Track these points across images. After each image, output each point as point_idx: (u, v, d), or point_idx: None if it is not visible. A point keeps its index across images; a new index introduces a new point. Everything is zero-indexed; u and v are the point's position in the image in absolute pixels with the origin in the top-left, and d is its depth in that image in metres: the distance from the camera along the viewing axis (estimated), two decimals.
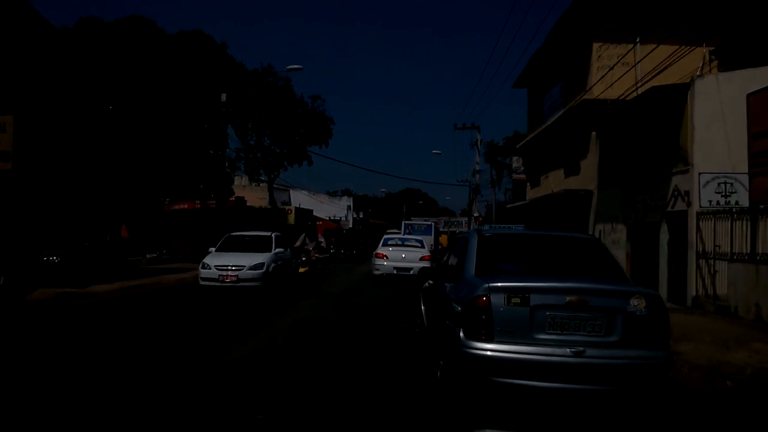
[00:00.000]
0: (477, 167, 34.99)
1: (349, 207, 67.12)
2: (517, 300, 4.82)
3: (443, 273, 6.80)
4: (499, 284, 4.91)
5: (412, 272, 15.74)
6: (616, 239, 15.86)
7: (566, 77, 19.34)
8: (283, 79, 37.71)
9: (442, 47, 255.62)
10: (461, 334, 4.93)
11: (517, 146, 27.69)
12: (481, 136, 35.12)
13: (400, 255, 17.59)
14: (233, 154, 37.04)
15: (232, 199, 31.05)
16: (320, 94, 44.28)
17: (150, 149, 24.57)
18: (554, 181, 22.01)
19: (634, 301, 4.85)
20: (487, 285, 4.90)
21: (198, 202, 23.38)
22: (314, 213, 53.98)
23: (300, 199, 55.68)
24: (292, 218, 42.68)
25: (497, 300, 4.82)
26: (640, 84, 14.35)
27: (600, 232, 16.82)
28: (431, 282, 7.37)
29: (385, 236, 20.98)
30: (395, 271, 17.16)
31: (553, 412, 4.99)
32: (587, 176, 18.47)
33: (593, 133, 17.78)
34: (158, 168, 25.66)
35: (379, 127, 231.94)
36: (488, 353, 4.77)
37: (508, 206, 28.90)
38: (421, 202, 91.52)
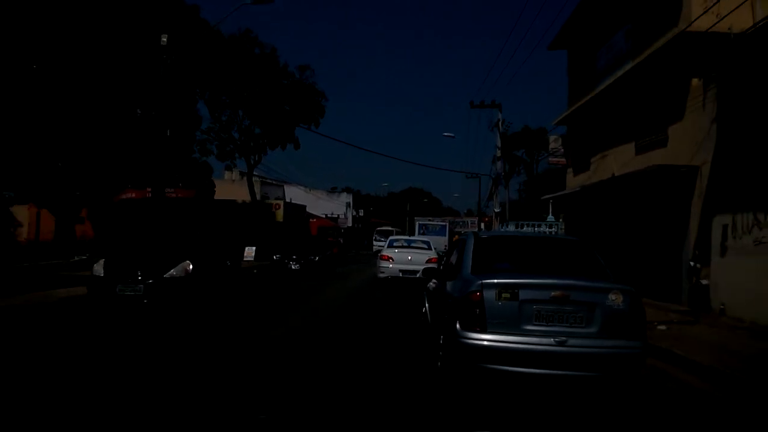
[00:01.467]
0: (497, 153, 29.54)
1: (348, 204, 64.38)
2: (507, 295, 5.40)
3: (444, 272, 7.48)
4: (491, 281, 5.51)
5: (418, 275, 13.95)
6: (763, 238, 10.14)
7: (636, 17, 15.27)
8: (265, 45, 31.52)
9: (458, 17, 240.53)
10: (457, 325, 5.54)
11: (554, 123, 22.33)
12: (503, 116, 29.29)
13: (406, 257, 16.85)
14: (203, 136, 31.39)
15: (215, 189, 26.05)
16: (309, 63, 38.83)
17: (88, 121, 19.32)
18: (617, 161, 16.71)
19: (612, 296, 5.39)
20: (480, 282, 5.52)
21: (149, 190, 18.24)
22: (311, 210, 49.39)
23: (295, 195, 52.46)
24: (280, 214, 38.19)
25: (489, 295, 5.42)
26: None
27: (726, 228, 11.24)
28: (435, 281, 7.87)
29: (391, 238, 19.96)
30: (401, 274, 16.38)
31: (541, 398, 5.50)
32: (680, 148, 13.18)
33: (696, 81, 12.39)
34: (100, 147, 20.38)
35: (385, 106, 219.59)
36: (481, 342, 5.36)
37: (541, 198, 23.46)
38: (426, 200, 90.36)
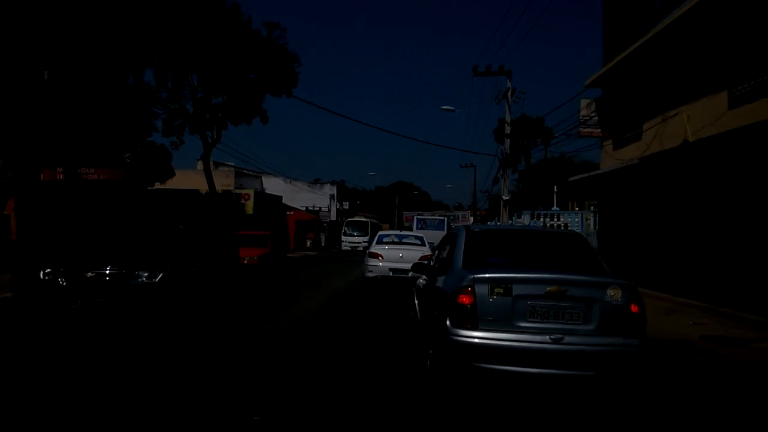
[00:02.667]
0: (507, 129, 24.83)
1: (332, 196, 58.25)
2: (500, 290, 5.13)
3: (435, 268, 7.15)
4: (484, 275, 5.23)
5: (410, 275, 11.62)
6: None
7: None
8: None
9: None
10: (448, 323, 5.27)
11: (586, 84, 17.82)
12: (513, 84, 24.36)
13: (397, 254, 15.40)
14: (158, 110, 25.39)
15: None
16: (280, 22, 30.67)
17: None
18: (693, 122, 12.29)
19: (610, 292, 5.14)
20: (472, 276, 5.23)
21: (60, 170, 13.64)
22: (290, 203, 44.65)
23: (274, 186, 47.35)
24: (250, 206, 33.21)
25: (481, 290, 5.15)
26: None
27: None
28: (425, 277, 7.50)
29: (380, 233, 18.40)
30: (391, 273, 15.05)
31: (537, 399, 5.29)
32: None
33: None
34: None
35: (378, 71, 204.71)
36: (473, 340, 5.10)
37: (570, 180, 19.57)
38: (415, 192, 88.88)
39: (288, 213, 42.09)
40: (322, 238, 47.89)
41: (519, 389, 5.31)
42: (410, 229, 46.15)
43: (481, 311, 5.13)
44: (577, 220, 23.81)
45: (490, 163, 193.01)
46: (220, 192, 30.51)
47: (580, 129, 19.53)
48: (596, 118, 18.47)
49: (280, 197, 42.49)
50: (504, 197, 25.39)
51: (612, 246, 17.08)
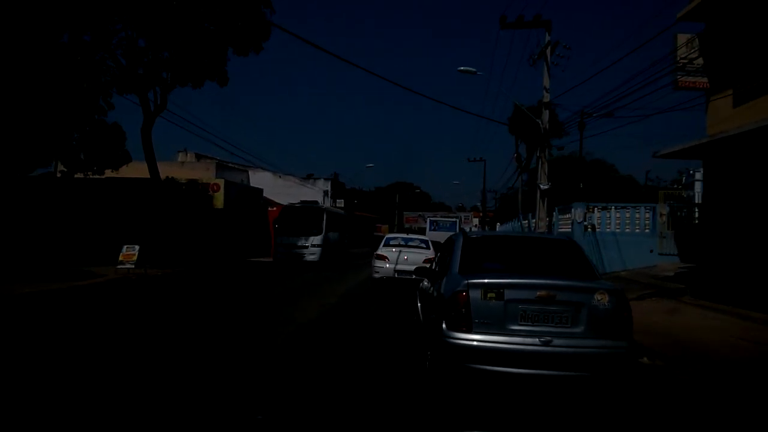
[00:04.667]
0: (545, 96, 19.60)
1: (325, 192, 52.29)
2: (493, 295, 5.43)
3: (435, 271, 7.61)
4: (477, 281, 5.54)
5: (414, 277, 11.81)
6: None
7: None
8: None
9: None
10: (444, 325, 5.58)
11: (680, 15, 13.56)
12: (553, 37, 19.29)
13: (402, 257, 16.40)
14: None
15: None
16: None
17: None
18: None
19: (597, 296, 5.41)
20: (466, 282, 5.56)
21: None
22: (278, 199, 39.71)
23: (263, 181, 42.94)
24: (220, 199, 28.45)
25: (475, 295, 5.45)
26: None
27: None
28: (427, 281, 7.88)
29: (387, 236, 19.68)
30: (396, 275, 16.00)
31: (528, 399, 5.59)
32: None
33: None
34: None
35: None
36: (467, 342, 5.40)
37: (657, 154, 14.94)
38: (417, 190, 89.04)
39: (270, 209, 35.79)
40: None
41: (512, 389, 5.59)
42: (410, 230, 46.54)
43: (475, 314, 5.45)
44: (647, 215, 19.01)
45: (501, 157, 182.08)
46: (184, 182, 26.72)
47: (678, 77, 14.64)
48: (702, 59, 13.67)
49: (260, 190, 37.46)
50: (542, 186, 19.69)
51: (731, 246, 12.74)
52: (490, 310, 5.40)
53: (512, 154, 38.95)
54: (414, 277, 10.90)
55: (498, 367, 5.32)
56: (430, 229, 42.51)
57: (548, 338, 5.30)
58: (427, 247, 17.38)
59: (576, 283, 5.71)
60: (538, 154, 21.47)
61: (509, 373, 5.31)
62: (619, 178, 52.10)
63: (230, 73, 21.75)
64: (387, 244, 17.58)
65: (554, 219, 22.37)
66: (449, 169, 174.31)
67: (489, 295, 5.42)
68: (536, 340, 5.30)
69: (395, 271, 16.03)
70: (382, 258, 16.53)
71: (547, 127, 20.25)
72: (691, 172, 52.25)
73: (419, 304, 8.11)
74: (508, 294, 5.41)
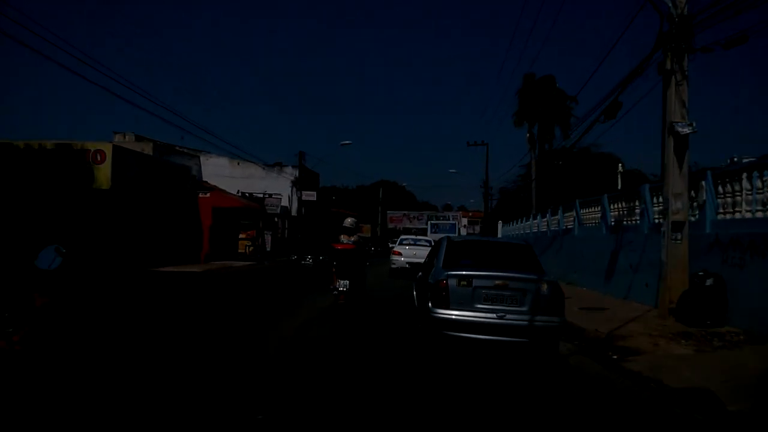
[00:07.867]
0: None
1: (292, 182, 41.58)
2: (465, 283, 7.68)
3: (426, 266, 9.78)
4: (454, 272, 7.82)
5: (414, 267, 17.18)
6: None
7: None
8: None
9: None
10: (430, 304, 7.84)
11: None
12: None
13: (412, 252, 23.20)
14: None
15: None
16: None
17: None
18: None
19: (539, 285, 7.63)
20: (446, 273, 7.84)
21: None
22: (242, 189, 35.02)
23: (217, 168, 37.77)
24: (105, 174, 19.66)
25: (452, 283, 7.70)
26: None
27: None
28: (420, 273, 10.14)
29: (401, 237, 27.26)
30: (408, 266, 22.10)
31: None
32: None
33: None
34: None
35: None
36: (446, 316, 7.63)
37: None
38: (404, 185, 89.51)
39: (202, 195, 27.86)
40: (268, 239, 33.68)
41: (476, 350, 7.74)
42: (395, 230, 52.63)
43: (452, 296, 7.65)
44: None
45: (498, 152, 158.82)
46: (51, 148, 19.97)
47: None
48: None
49: (187, 168, 29.20)
50: (680, 128, 10.37)
51: None
52: (463, 294, 7.59)
53: (519, 143, 34.01)
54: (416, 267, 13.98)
55: (467, 334, 7.54)
56: (431, 231, 51.49)
57: (503, 314, 7.49)
58: (430, 245, 20.26)
59: (523, 275, 7.83)
60: (669, 66, 10.50)
61: (475, 338, 7.53)
62: (625, 172, 47.18)
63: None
64: (401, 243, 25.10)
65: (575, 214, 19.83)
66: (436, 168, 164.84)
67: (462, 283, 7.63)
68: (494, 315, 7.49)
69: (407, 262, 22.44)
70: (397, 254, 23.91)
71: (685, 11, 10.39)
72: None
73: (414, 293, 10.31)
74: (476, 282, 7.62)
